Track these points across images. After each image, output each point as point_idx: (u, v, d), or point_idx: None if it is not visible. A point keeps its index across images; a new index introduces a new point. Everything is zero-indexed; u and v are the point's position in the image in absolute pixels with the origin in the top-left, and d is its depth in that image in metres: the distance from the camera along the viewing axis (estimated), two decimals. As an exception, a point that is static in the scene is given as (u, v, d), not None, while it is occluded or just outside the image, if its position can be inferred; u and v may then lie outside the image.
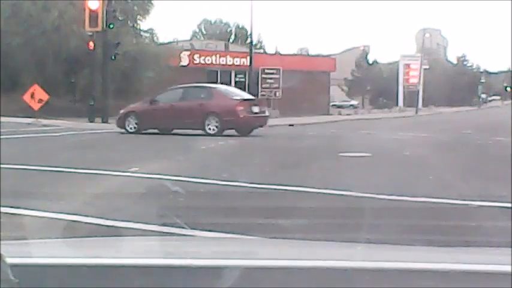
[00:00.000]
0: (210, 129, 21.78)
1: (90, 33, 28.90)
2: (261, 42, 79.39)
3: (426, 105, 70.96)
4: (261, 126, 22.86)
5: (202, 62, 47.74)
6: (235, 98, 22.54)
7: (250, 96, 23.94)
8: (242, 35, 79.02)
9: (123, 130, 22.92)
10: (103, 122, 28.33)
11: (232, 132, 21.88)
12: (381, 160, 14.78)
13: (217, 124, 21.76)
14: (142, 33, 41.21)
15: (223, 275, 1.65)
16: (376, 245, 2.64)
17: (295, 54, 65.88)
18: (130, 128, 22.83)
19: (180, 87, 23.90)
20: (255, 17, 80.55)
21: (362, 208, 7.75)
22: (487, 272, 1.69)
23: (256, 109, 22.47)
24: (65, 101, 34.33)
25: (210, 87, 23.93)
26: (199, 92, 23.11)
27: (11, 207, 6.95)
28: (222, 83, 48.02)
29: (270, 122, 34.90)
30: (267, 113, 23.64)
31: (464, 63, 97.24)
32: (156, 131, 22.86)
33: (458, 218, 7.46)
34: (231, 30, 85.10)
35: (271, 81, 45.19)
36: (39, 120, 27.07)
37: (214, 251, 2.23)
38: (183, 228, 5.85)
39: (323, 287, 1.65)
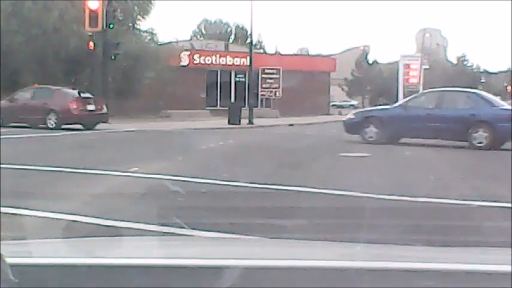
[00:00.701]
0: (51, 124, 24.80)
1: (90, 33, 28.89)
2: (261, 42, 79.35)
3: (426, 105, 70.82)
4: (103, 122, 25.66)
5: (202, 62, 47.73)
6: (71, 97, 25.43)
7: (87, 95, 26.27)
8: (242, 35, 78.89)
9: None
10: (103, 122, 28.31)
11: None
12: (380, 160, 14.79)
13: (56, 120, 24.83)
14: (142, 33, 41.19)
15: (223, 275, 1.65)
16: (376, 245, 2.64)
17: (295, 54, 65.80)
18: None
19: (32, 88, 27.33)
20: (255, 17, 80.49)
21: (362, 208, 7.75)
22: (487, 272, 1.69)
23: (91, 107, 25.51)
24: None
25: (52, 88, 26.55)
26: (43, 93, 26.13)
27: (11, 207, 6.94)
28: (221, 83, 48.36)
29: (270, 122, 34.80)
30: (104, 110, 26.24)
31: (464, 63, 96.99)
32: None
33: (458, 218, 7.46)
34: (231, 30, 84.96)
35: (271, 81, 45.22)
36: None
37: (214, 251, 2.22)
38: (183, 228, 5.85)
39: (323, 287, 1.65)
